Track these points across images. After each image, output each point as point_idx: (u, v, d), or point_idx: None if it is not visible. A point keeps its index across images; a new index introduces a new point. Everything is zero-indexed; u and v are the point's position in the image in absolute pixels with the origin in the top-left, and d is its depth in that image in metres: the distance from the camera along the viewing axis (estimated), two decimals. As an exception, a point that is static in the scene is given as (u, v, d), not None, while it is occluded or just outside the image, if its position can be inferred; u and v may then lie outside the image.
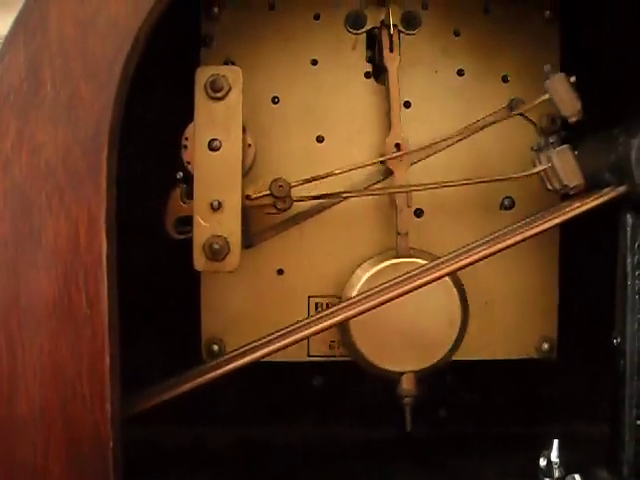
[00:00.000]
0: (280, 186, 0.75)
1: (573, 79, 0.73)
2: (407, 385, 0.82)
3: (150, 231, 0.80)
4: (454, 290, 0.81)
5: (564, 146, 0.75)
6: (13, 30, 0.61)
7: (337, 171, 0.78)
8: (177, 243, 0.77)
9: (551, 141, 0.76)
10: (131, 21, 0.61)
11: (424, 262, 0.79)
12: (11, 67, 0.60)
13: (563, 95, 0.74)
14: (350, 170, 0.79)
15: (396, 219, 0.82)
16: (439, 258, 0.76)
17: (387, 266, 0.81)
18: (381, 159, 0.82)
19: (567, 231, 0.85)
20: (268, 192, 0.75)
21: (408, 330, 0.80)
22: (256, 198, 0.75)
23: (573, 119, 0.74)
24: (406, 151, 0.81)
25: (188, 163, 0.75)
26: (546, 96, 0.74)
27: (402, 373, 0.82)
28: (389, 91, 0.82)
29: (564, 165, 0.74)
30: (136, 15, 0.61)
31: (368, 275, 0.82)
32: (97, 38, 0.60)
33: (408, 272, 0.74)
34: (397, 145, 0.82)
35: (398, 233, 0.82)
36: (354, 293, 0.81)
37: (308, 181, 0.78)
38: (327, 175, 0.78)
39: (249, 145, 0.76)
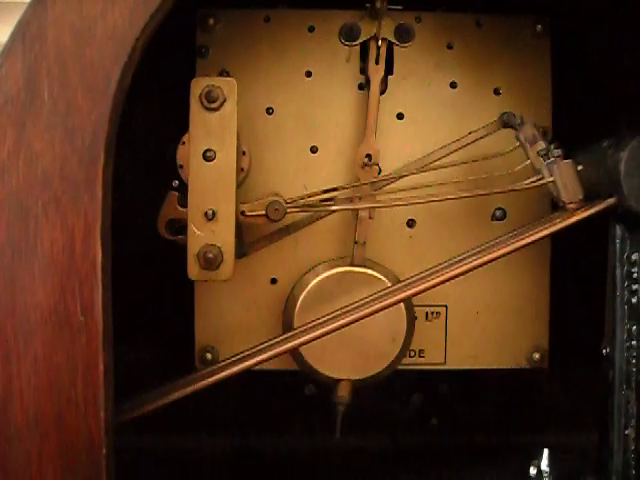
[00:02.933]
0: (276, 209, 0.76)
1: (580, 167, 0.73)
2: (342, 392, 0.83)
3: (144, 239, 0.80)
4: (402, 307, 0.81)
5: (568, 160, 0.74)
6: (11, 39, 0.61)
7: (327, 195, 0.79)
8: (171, 251, 0.77)
9: (542, 153, 0.76)
10: (128, 31, 0.61)
11: (375, 274, 0.81)
12: (8, 76, 0.61)
13: (567, 181, 0.73)
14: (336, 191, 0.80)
15: (355, 228, 0.83)
16: (386, 270, 0.79)
17: (340, 272, 0.82)
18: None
19: (558, 241, 0.86)
20: (263, 213, 0.76)
21: (352, 339, 0.80)
22: (251, 216, 0.76)
23: (572, 206, 0.73)
24: (377, 162, 0.82)
25: (181, 166, 0.75)
26: (551, 179, 0.74)
27: (339, 380, 0.83)
28: (369, 101, 0.82)
29: (566, 179, 0.74)
30: (133, 26, 0.61)
31: (318, 279, 0.82)
32: (94, 48, 0.61)
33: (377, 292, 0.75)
34: (368, 155, 0.82)
35: (355, 242, 0.83)
36: (301, 296, 0.82)
37: (304, 210, 0.79)
38: (316, 194, 0.79)
39: (243, 154, 0.77)
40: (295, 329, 0.75)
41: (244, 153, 0.77)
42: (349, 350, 0.81)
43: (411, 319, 0.82)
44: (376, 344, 0.81)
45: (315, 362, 0.82)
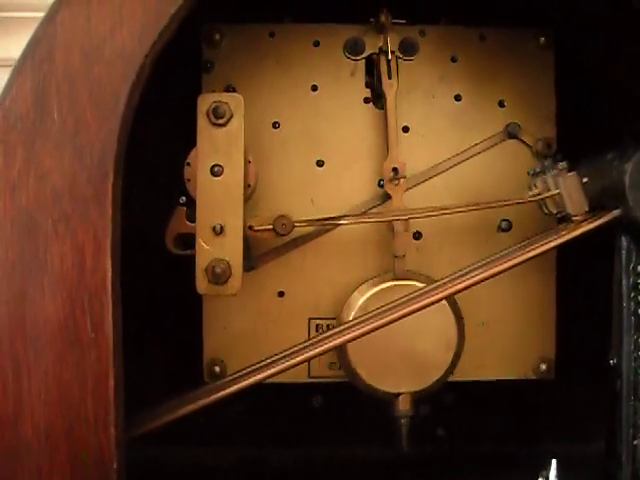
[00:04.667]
0: (283, 224, 0.76)
1: (585, 180, 0.74)
2: (403, 406, 0.83)
3: (152, 251, 0.81)
4: (450, 312, 0.82)
5: (572, 173, 0.75)
6: (21, 59, 0.62)
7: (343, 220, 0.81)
8: (180, 265, 0.78)
9: (546, 164, 0.77)
10: (137, 50, 0.62)
11: (421, 285, 0.80)
12: (18, 95, 0.62)
13: (573, 194, 0.74)
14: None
15: (394, 242, 0.83)
16: (435, 281, 0.77)
17: (385, 288, 0.83)
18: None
19: (564, 252, 0.86)
20: (271, 227, 0.77)
21: (405, 352, 0.81)
22: (258, 230, 0.77)
23: (578, 218, 0.74)
24: (404, 175, 0.83)
25: (188, 180, 0.76)
26: (556, 191, 0.75)
27: (399, 394, 0.83)
28: (387, 117, 0.83)
29: (571, 192, 0.74)
30: (141, 45, 0.62)
31: (365, 297, 0.83)
32: (103, 67, 0.62)
33: (406, 295, 0.74)
34: (394, 169, 0.83)
35: (395, 256, 0.83)
36: (351, 315, 0.82)
37: (311, 225, 0.80)
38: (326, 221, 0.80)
39: (250, 169, 0.77)
40: (303, 342, 0.75)
41: (251, 169, 0.77)
42: (404, 363, 0.81)
43: (460, 323, 0.83)
44: (430, 353, 0.82)
45: (373, 379, 0.82)
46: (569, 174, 0.75)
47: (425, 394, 0.84)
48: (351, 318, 0.81)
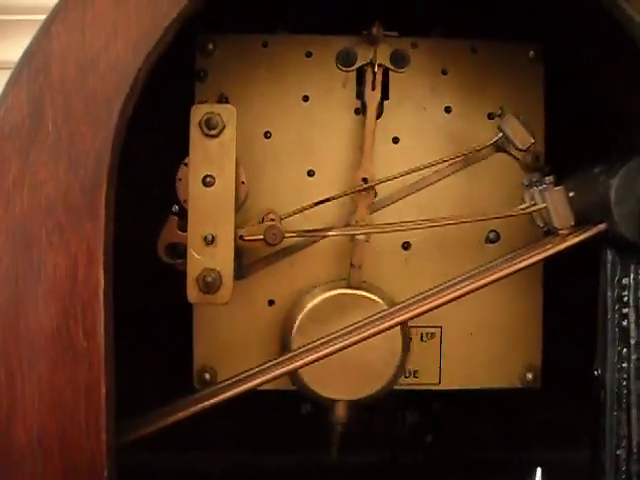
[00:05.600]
0: (274, 234, 0.77)
1: (572, 194, 0.75)
2: (339, 413, 0.84)
3: (144, 261, 0.81)
4: (397, 329, 0.81)
5: (559, 187, 0.76)
6: (17, 70, 0.63)
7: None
8: (170, 274, 0.79)
9: (534, 179, 0.78)
10: (131, 63, 0.63)
11: (371, 296, 0.83)
12: (14, 106, 0.62)
13: (559, 208, 0.76)
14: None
15: (352, 251, 0.84)
16: (382, 292, 0.80)
17: (335, 295, 0.84)
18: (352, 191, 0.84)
19: (550, 263, 0.87)
20: (261, 237, 0.77)
21: (348, 360, 0.80)
22: (249, 240, 0.77)
23: (564, 232, 0.75)
24: (371, 184, 0.84)
25: (184, 202, 0.77)
26: (543, 205, 0.77)
27: (336, 400, 0.84)
28: (365, 127, 0.84)
29: (557, 206, 0.75)
30: (136, 57, 0.63)
31: (316, 301, 0.83)
32: (97, 79, 0.62)
33: (376, 313, 0.77)
34: (364, 179, 0.84)
35: (352, 265, 0.84)
36: (300, 315, 0.83)
37: (301, 236, 0.82)
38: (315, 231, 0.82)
39: (242, 182, 0.78)
40: (293, 351, 0.76)
41: (243, 182, 0.78)
42: (346, 371, 0.82)
43: (406, 340, 0.84)
44: (372, 365, 0.82)
45: (312, 383, 0.83)
46: (556, 188, 0.76)
47: (365, 404, 0.85)
48: (299, 318, 0.82)
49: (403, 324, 0.82)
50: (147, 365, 0.89)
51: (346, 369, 0.82)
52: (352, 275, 0.84)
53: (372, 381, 0.83)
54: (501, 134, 0.83)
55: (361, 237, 0.83)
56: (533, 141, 0.83)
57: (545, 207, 0.76)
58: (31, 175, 0.62)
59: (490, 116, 0.87)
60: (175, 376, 0.87)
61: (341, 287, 0.84)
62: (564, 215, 0.75)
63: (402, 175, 0.83)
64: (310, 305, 0.83)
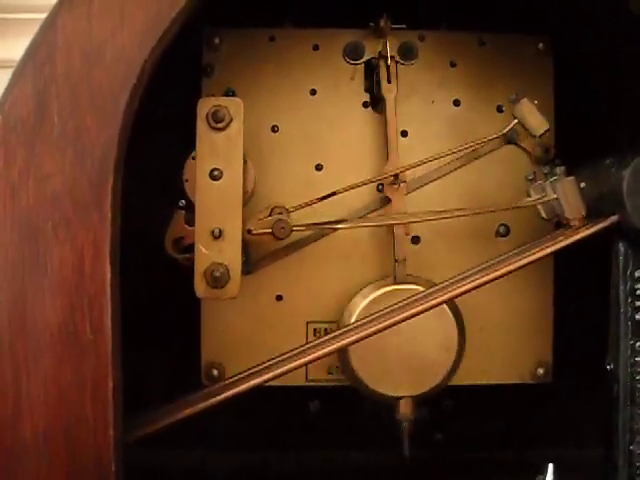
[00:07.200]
0: (282, 228, 0.76)
1: (583, 185, 0.75)
2: (404, 410, 0.83)
3: (151, 255, 0.81)
4: (451, 316, 0.82)
5: (570, 178, 0.76)
6: (22, 62, 0.62)
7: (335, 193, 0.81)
8: (178, 268, 0.78)
9: (545, 172, 0.78)
10: (137, 54, 0.62)
11: (421, 288, 0.81)
12: (19, 99, 0.62)
13: (570, 199, 0.75)
14: (346, 190, 0.81)
15: (393, 246, 0.83)
16: (435, 284, 0.77)
17: (385, 292, 0.83)
18: (379, 179, 0.83)
19: (561, 256, 0.86)
20: (269, 230, 0.77)
21: (406, 355, 0.81)
22: (257, 234, 0.77)
23: (575, 223, 0.75)
24: (404, 179, 0.83)
25: (186, 180, 0.76)
26: (554, 196, 0.76)
27: (399, 398, 0.83)
28: (387, 121, 0.83)
29: (568, 197, 0.75)
30: (142, 48, 0.62)
31: (367, 301, 0.83)
32: (103, 71, 0.62)
33: (402, 300, 0.75)
34: (395, 175, 0.83)
35: (396, 260, 0.83)
36: (352, 319, 0.82)
37: (309, 227, 0.80)
38: (323, 197, 0.80)
39: (249, 174, 0.78)
40: (301, 346, 0.75)
41: (250, 173, 0.77)
42: (405, 367, 0.81)
43: (461, 326, 0.83)
44: (431, 356, 0.82)
45: (374, 383, 0.82)
46: (567, 179, 0.75)
47: (426, 398, 0.84)
48: (352, 322, 0.81)
49: (455, 310, 0.82)
50: (154, 360, 0.89)
51: (406, 364, 0.81)
52: (398, 270, 0.83)
53: (432, 374, 0.83)
54: (515, 121, 0.81)
55: (400, 232, 0.83)
56: (548, 127, 0.81)
57: (556, 198, 0.75)
58: (37, 168, 0.61)
59: (499, 109, 0.86)
60: (182, 372, 0.87)
61: (390, 283, 0.83)
62: (575, 205, 0.74)
63: (430, 160, 0.83)
64: (362, 305, 0.82)
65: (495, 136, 0.83)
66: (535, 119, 0.81)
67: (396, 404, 0.83)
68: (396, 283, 0.83)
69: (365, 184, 0.82)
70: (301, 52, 0.86)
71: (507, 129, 0.81)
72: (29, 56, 0.62)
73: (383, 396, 0.83)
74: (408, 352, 0.80)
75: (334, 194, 0.81)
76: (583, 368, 0.81)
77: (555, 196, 0.75)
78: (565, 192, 0.75)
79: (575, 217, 0.74)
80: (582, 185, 0.74)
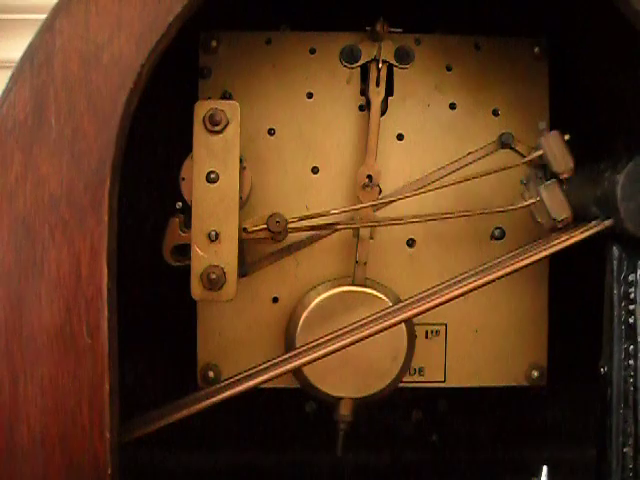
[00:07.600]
0: (277, 222, 0.76)
1: (567, 137, 0.75)
2: (344, 410, 0.83)
3: (148, 260, 0.81)
4: (402, 326, 0.81)
5: (552, 180, 0.77)
6: (20, 65, 0.62)
7: (333, 211, 0.81)
8: (174, 271, 0.78)
9: (539, 176, 0.78)
10: (134, 58, 0.62)
11: (376, 293, 0.82)
12: (17, 101, 0.62)
13: (557, 152, 0.76)
14: (341, 212, 0.82)
15: (357, 248, 0.84)
16: (394, 294, 0.80)
17: (340, 292, 0.83)
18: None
19: (556, 260, 0.86)
20: (265, 226, 0.77)
21: (352, 357, 0.80)
22: (253, 232, 0.77)
23: (564, 176, 0.75)
24: (378, 183, 0.83)
25: (183, 179, 0.76)
26: (540, 152, 0.76)
27: (340, 398, 0.83)
28: (369, 123, 0.84)
29: (552, 199, 0.76)
30: (139, 52, 0.62)
31: (321, 298, 0.83)
32: (100, 74, 0.62)
33: (378, 311, 0.75)
34: (369, 176, 0.83)
35: (356, 262, 0.84)
36: (305, 313, 0.82)
37: (303, 219, 0.79)
38: (319, 215, 0.80)
39: (246, 177, 0.78)
40: (297, 348, 0.76)
41: (246, 176, 0.78)
42: (350, 368, 0.82)
43: (411, 338, 0.83)
44: (377, 363, 0.82)
45: (316, 380, 0.82)
46: (548, 182, 0.76)
47: (370, 402, 0.84)
48: (304, 315, 0.82)
49: (408, 321, 0.81)
50: (150, 362, 0.89)
51: (351, 367, 0.82)
52: (357, 272, 0.84)
53: (377, 379, 0.83)
54: (540, 151, 0.77)
55: (365, 234, 0.83)
56: (572, 166, 0.77)
57: (539, 200, 0.76)
58: (34, 171, 0.61)
59: (495, 112, 0.87)
60: (178, 374, 0.87)
61: (346, 284, 0.84)
62: (559, 206, 0.75)
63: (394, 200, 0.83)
64: (315, 302, 0.83)
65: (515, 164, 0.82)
66: (561, 156, 0.76)
67: (337, 404, 0.83)
68: (353, 284, 0.84)
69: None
70: (298, 55, 0.86)
71: (528, 158, 0.79)
72: (27, 59, 0.62)
73: (325, 395, 0.83)
74: (355, 354, 0.79)
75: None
76: (577, 371, 0.81)
77: (538, 198, 0.76)
78: (548, 195, 0.75)
79: (562, 217, 0.75)
80: (564, 188, 0.76)
